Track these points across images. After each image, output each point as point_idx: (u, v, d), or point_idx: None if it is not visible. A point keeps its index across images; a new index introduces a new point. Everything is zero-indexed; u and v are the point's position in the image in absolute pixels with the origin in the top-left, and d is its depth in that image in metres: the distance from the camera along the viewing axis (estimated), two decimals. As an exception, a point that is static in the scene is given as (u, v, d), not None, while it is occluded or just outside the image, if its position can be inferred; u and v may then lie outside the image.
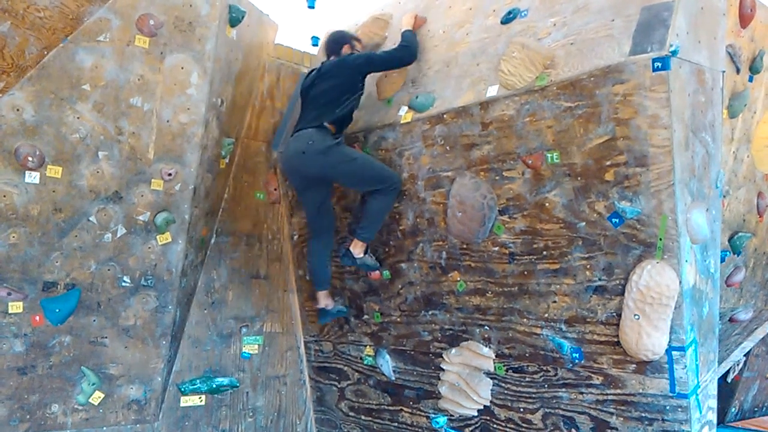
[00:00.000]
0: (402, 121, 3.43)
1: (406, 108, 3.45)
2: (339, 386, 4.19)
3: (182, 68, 3.42)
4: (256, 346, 4.18)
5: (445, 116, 3.21)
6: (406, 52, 3.52)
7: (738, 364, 4.51)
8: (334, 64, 3.67)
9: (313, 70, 3.79)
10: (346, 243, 3.64)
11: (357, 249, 3.54)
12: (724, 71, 2.82)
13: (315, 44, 4.55)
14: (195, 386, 3.90)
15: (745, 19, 3.25)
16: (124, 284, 3.47)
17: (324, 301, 3.77)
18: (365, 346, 3.94)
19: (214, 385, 3.97)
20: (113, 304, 3.47)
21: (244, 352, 4.13)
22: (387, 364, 3.78)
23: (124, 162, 3.38)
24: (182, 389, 3.86)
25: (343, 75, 3.57)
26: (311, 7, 5.11)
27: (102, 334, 3.47)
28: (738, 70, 3.30)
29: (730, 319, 3.86)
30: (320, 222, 3.69)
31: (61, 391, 3.38)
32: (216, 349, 4.02)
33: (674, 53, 2.41)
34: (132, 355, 3.55)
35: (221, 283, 4.09)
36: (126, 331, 3.52)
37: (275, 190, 4.31)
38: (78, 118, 3.25)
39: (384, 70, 3.62)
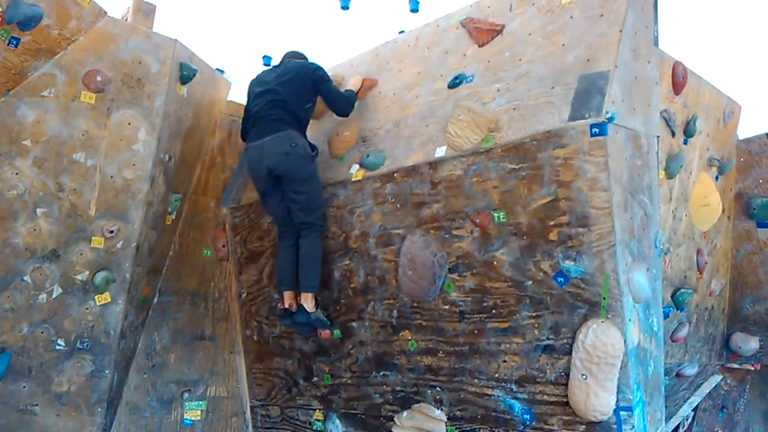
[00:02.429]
0: (353, 179, 3.44)
1: (357, 166, 3.47)
2: (287, 452, 4.01)
3: (129, 124, 3.37)
4: (199, 412, 3.98)
5: (395, 175, 3.24)
6: (347, 103, 3.62)
7: (687, 419, 4.55)
8: (296, 66, 3.65)
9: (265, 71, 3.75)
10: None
11: (308, 302, 3.48)
12: (658, 136, 2.96)
13: (267, 64, 4.60)
14: (132, 456, 3.68)
15: (677, 86, 3.45)
16: (58, 347, 3.29)
17: (288, 300, 3.62)
18: (314, 410, 3.80)
19: (153, 456, 3.75)
20: (46, 368, 3.27)
21: (186, 419, 3.92)
22: (337, 430, 3.65)
23: (63, 219, 3.27)
24: (118, 460, 3.63)
25: (305, 85, 3.57)
26: (267, 65, 5.19)
27: (32, 402, 3.26)
28: (673, 134, 3.47)
29: (677, 375, 3.91)
30: (288, 221, 3.59)
31: (-18, 466, 3.13)
32: (155, 416, 3.82)
33: (611, 119, 2.51)
34: (64, 424, 3.33)
35: (162, 345, 3.93)
36: (59, 398, 3.31)
37: (223, 246, 4.22)
38: (16, 173, 3.15)
39: (327, 99, 3.62)
